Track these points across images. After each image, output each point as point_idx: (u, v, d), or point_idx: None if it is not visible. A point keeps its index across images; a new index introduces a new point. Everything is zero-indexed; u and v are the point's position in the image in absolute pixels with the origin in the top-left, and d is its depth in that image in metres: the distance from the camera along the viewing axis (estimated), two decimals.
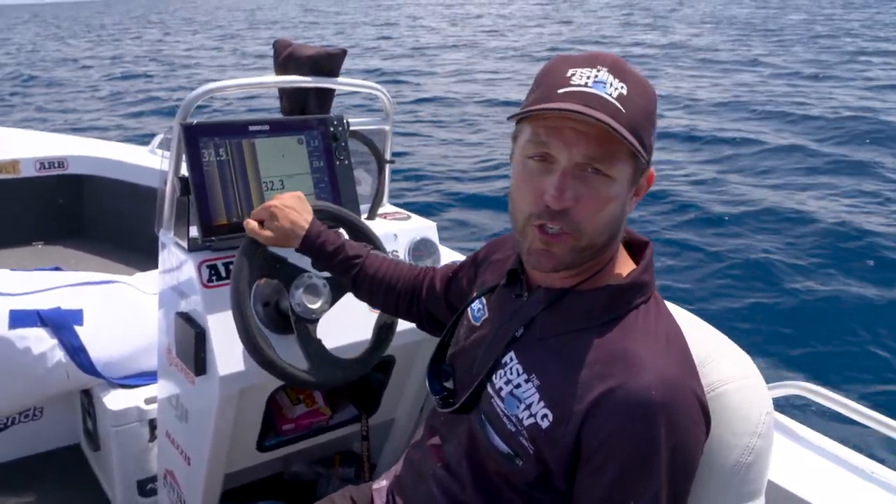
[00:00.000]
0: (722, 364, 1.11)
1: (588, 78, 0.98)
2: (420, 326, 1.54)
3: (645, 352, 0.99)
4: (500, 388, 1.08)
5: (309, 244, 1.46)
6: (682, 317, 1.15)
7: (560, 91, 0.98)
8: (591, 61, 1.00)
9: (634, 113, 0.97)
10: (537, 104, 0.99)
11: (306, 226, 1.46)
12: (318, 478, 2.17)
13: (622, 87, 0.98)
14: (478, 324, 1.22)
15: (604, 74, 0.98)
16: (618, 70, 0.99)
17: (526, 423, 1.04)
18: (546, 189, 0.99)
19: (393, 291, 1.49)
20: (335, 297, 1.56)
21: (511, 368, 1.08)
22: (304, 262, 1.54)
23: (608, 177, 0.99)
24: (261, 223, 1.46)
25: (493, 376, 1.10)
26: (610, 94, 0.97)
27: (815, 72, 15.05)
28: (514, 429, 1.05)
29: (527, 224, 1.03)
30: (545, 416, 1.02)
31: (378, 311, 1.67)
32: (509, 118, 1.05)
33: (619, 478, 0.96)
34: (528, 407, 1.04)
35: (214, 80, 1.66)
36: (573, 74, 0.99)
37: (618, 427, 0.96)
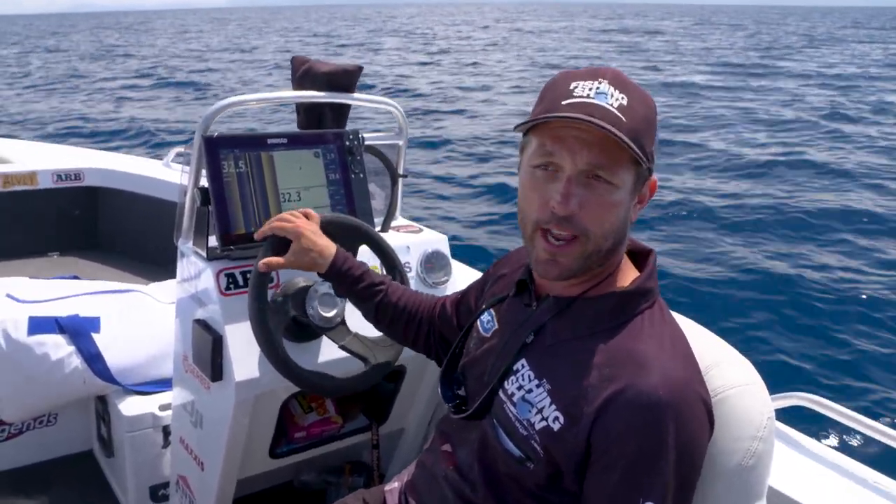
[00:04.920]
0: (725, 370, 1.14)
1: (590, 90, 1.03)
2: (434, 358, 1.54)
3: (651, 354, 1.03)
4: (513, 394, 1.12)
5: (336, 269, 1.46)
6: (686, 325, 1.18)
7: (564, 102, 1.03)
8: (592, 75, 1.05)
9: (635, 122, 1.02)
10: (542, 115, 1.04)
11: (330, 252, 1.46)
12: (327, 486, 2.19)
13: (623, 98, 1.02)
14: (488, 335, 1.26)
15: (605, 86, 1.03)
16: (618, 82, 1.04)
17: (538, 426, 1.07)
18: (552, 196, 1.04)
19: (414, 320, 1.50)
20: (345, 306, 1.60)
21: (523, 374, 1.12)
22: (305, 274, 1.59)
23: (611, 184, 1.03)
24: (280, 247, 1.46)
25: (506, 383, 1.14)
26: (611, 105, 1.01)
27: None
28: (525, 433, 1.09)
29: (534, 231, 1.08)
30: (556, 418, 1.05)
31: None
32: (515, 128, 1.09)
33: (627, 476, 0.99)
34: (541, 411, 1.07)
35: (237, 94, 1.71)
36: (576, 87, 1.04)
37: (626, 427, 0.99)
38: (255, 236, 1.50)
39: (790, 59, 27.52)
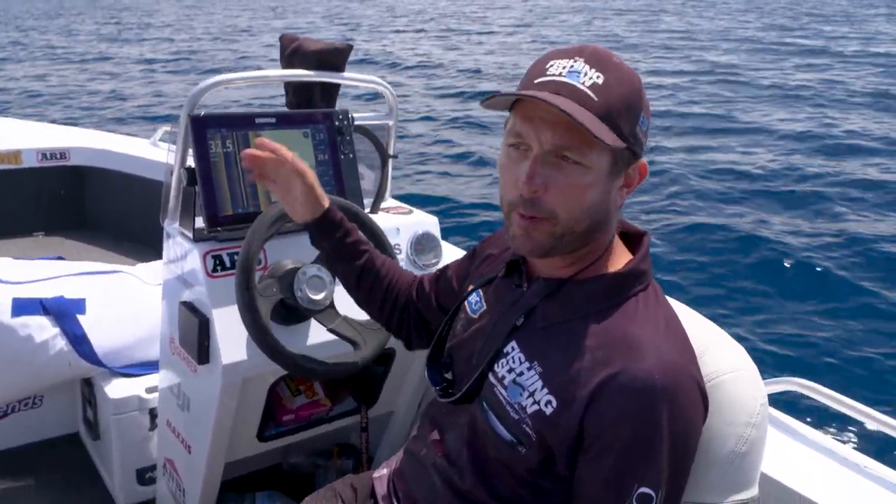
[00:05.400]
0: (718, 356, 1.13)
1: (564, 68, 1.01)
2: (407, 342, 1.49)
3: (645, 337, 1.02)
4: (503, 377, 1.10)
5: (330, 219, 1.39)
6: (678, 309, 1.17)
7: (536, 81, 1.02)
8: (571, 53, 1.03)
9: (610, 101, 0.99)
10: (504, 92, 1.03)
11: (327, 201, 1.40)
12: (316, 469, 2.18)
13: (598, 77, 1.00)
14: (475, 316, 1.24)
15: (580, 65, 1.01)
16: (597, 60, 1.02)
17: (529, 410, 1.06)
18: (520, 176, 1.02)
19: (392, 291, 1.45)
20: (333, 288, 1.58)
21: (513, 357, 1.10)
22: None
23: (581, 165, 1.00)
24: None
25: (495, 365, 1.12)
26: (583, 83, 0.99)
27: None
28: (517, 416, 1.07)
29: (510, 211, 1.06)
30: (549, 402, 1.04)
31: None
32: (481, 103, 1.07)
33: (622, 461, 0.98)
34: (532, 394, 1.06)
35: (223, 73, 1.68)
36: (552, 65, 1.02)
37: (620, 411, 0.98)
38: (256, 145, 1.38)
39: None
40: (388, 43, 22.14)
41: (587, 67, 1.01)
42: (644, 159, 1.09)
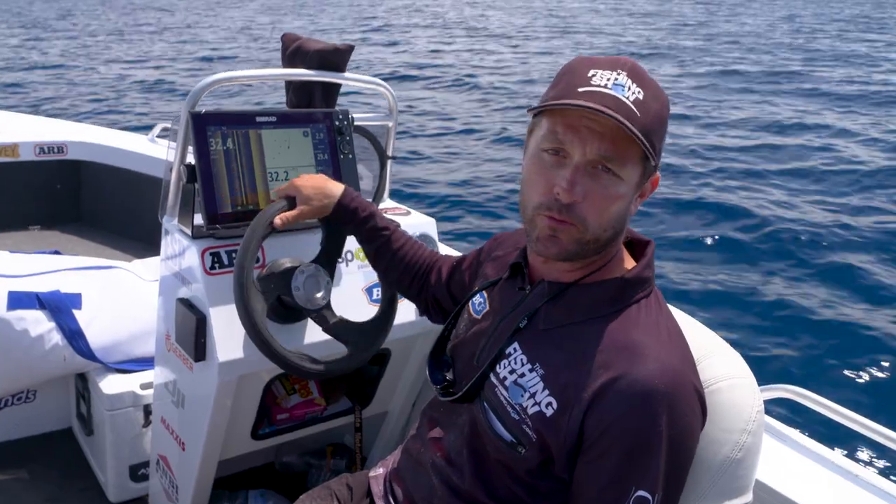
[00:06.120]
0: (715, 362, 1.14)
1: (608, 80, 1.02)
2: (425, 313, 1.56)
3: (648, 342, 1.03)
4: (504, 378, 1.11)
5: (343, 207, 1.47)
6: (679, 317, 1.18)
7: (580, 90, 1.02)
8: (612, 64, 1.04)
9: (649, 118, 1.01)
10: (557, 100, 1.03)
11: (338, 191, 1.48)
12: (309, 468, 2.19)
13: (640, 93, 1.02)
14: (479, 317, 1.25)
15: (623, 78, 1.02)
16: (636, 76, 1.03)
17: (530, 411, 1.07)
18: (557, 182, 1.03)
19: (409, 271, 1.52)
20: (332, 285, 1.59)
21: (515, 358, 1.12)
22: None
23: (618, 177, 1.02)
24: (289, 204, 1.47)
25: (497, 366, 1.13)
26: (627, 98, 1.00)
27: None
28: (517, 417, 1.08)
29: (536, 214, 1.07)
30: (549, 403, 1.05)
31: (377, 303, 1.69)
32: (528, 111, 1.08)
33: (621, 465, 0.99)
34: (533, 395, 1.07)
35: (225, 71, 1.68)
36: (594, 75, 1.03)
37: (621, 415, 0.99)
38: (276, 195, 1.53)
39: None
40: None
41: (630, 82, 1.02)
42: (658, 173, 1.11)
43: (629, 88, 1.01)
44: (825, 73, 14.72)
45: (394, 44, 21.30)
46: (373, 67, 16.16)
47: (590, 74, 1.03)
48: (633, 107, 1.00)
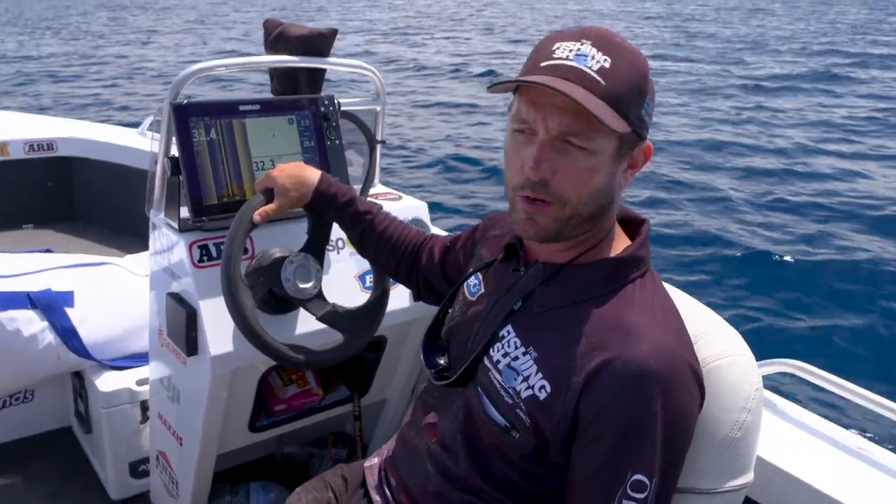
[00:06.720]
0: (713, 340, 1.12)
1: (570, 51, 1.00)
2: (417, 295, 1.54)
3: (642, 323, 1.01)
4: (498, 361, 1.10)
5: (321, 194, 1.45)
6: (673, 294, 1.16)
7: (542, 64, 1.01)
8: (577, 35, 1.02)
9: (617, 85, 0.98)
10: (519, 77, 1.01)
11: (315, 178, 1.45)
12: (310, 458, 2.18)
13: (605, 61, 0.99)
14: (473, 299, 1.24)
15: (587, 48, 1.00)
16: (604, 43, 1.00)
17: (524, 395, 1.05)
18: (526, 161, 1.01)
19: (397, 253, 1.49)
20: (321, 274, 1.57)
21: (509, 341, 1.10)
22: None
23: (586, 149, 1.00)
24: (267, 197, 1.45)
25: (491, 349, 1.12)
26: (590, 67, 0.98)
27: None
28: (511, 401, 1.07)
29: (514, 195, 1.05)
30: (543, 387, 1.03)
31: (369, 290, 1.67)
32: (488, 88, 1.06)
33: (616, 447, 0.98)
34: (526, 379, 1.05)
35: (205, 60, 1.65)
36: (558, 48, 1.01)
37: (616, 397, 0.97)
38: (256, 187, 1.49)
39: None
40: None
41: (594, 50, 0.99)
42: (648, 141, 1.08)
43: (593, 57, 0.99)
44: None
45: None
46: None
47: (554, 48, 1.01)
48: (596, 76, 0.97)
